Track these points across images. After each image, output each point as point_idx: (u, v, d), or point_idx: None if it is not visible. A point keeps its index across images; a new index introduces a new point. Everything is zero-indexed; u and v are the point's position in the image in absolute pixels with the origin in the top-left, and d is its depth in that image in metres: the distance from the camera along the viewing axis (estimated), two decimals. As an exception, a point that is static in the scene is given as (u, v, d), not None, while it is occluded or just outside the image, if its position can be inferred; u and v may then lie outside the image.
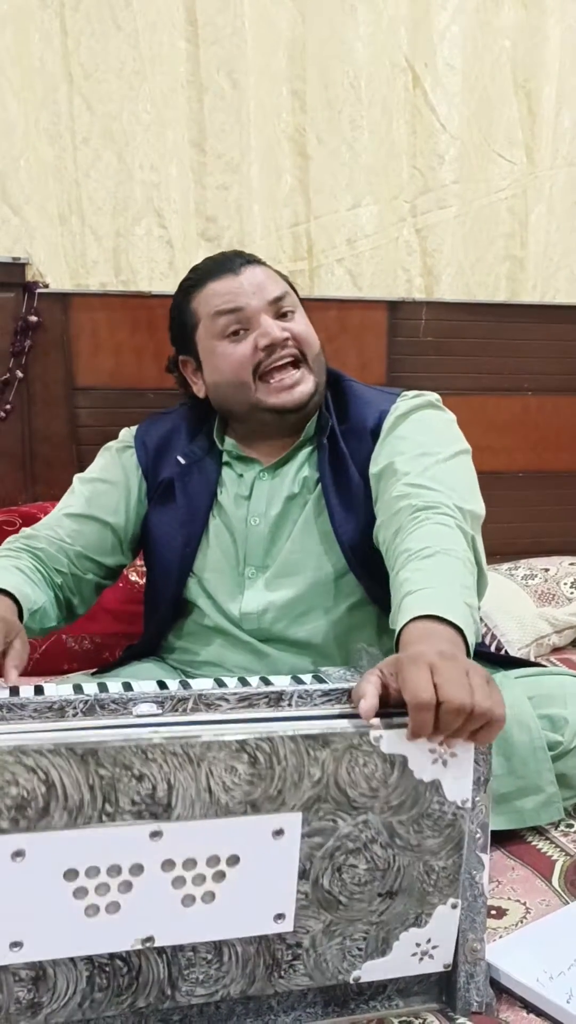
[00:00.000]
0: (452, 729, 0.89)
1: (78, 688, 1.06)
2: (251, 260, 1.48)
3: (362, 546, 1.38)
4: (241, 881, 0.89)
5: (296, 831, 0.89)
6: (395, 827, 0.93)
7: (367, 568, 1.39)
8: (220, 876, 0.88)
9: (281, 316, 1.44)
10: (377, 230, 2.28)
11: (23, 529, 1.51)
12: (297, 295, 1.51)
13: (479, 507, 1.31)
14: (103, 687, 1.07)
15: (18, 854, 0.82)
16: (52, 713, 0.98)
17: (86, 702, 0.99)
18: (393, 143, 2.28)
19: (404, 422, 1.41)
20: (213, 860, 0.88)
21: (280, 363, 1.42)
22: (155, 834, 0.86)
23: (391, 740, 0.91)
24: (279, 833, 0.89)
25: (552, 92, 2.34)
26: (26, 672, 1.92)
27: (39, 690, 1.08)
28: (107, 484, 1.52)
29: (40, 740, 0.82)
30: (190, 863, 0.87)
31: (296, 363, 1.43)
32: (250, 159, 2.15)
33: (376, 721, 0.91)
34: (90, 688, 1.05)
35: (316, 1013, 0.96)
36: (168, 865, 0.87)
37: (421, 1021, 0.97)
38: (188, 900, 0.88)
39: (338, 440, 1.44)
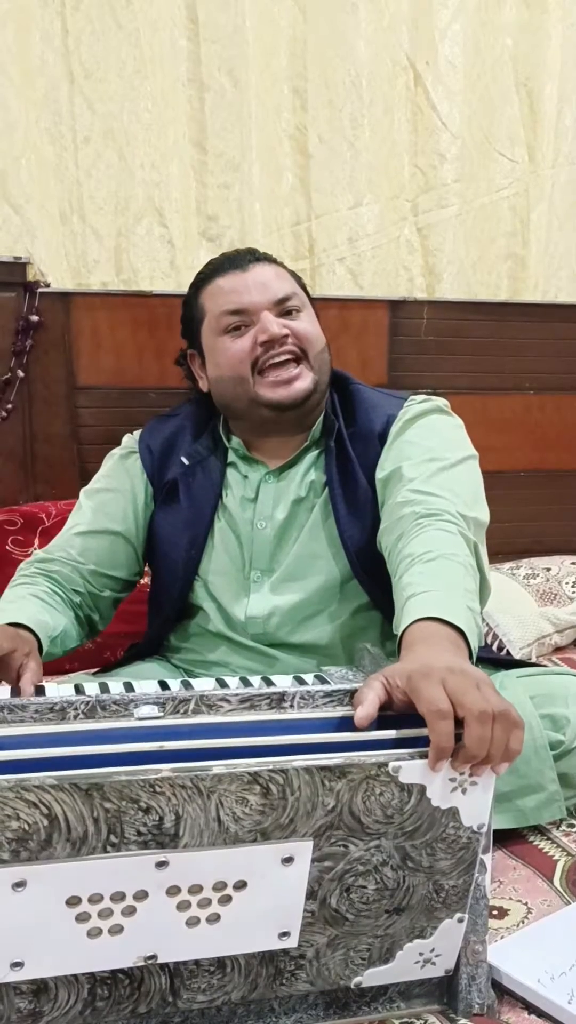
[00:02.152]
0: (484, 740, 0.86)
1: (79, 688, 1.06)
2: (261, 258, 1.47)
3: (368, 551, 1.38)
4: (247, 904, 0.86)
5: (306, 858, 0.87)
6: (408, 851, 0.90)
7: (372, 574, 1.38)
8: (226, 900, 0.86)
9: (286, 314, 1.43)
10: (378, 229, 2.28)
11: (36, 552, 1.51)
12: (308, 294, 1.51)
13: (483, 514, 1.31)
14: (104, 687, 1.07)
15: (19, 884, 0.80)
16: (53, 715, 0.97)
17: (87, 703, 0.98)
18: (394, 142, 2.27)
19: (412, 427, 1.41)
20: (220, 885, 0.86)
21: (279, 359, 1.41)
22: (161, 864, 0.83)
23: (410, 770, 0.87)
24: (289, 860, 0.87)
25: (554, 90, 2.34)
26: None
27: (40, 690, 1.08)
28: (112, 493, 1.51)
29: (42, 775, 0.79)
30: (196, 888, 0.85)
31: (296, 360, 1.43)
32: (251, 158, 2.15)
33: (395, 751, 0.88)
34: (91, 689, 1.05)
35: (317, 1015, 0.95)
36: (173, 890, 0.84)
37: (422, 1023, 0.97)
38: (192, 921, 0.86)
39: (345, 444, 1.43)
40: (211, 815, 0.83)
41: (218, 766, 0.82)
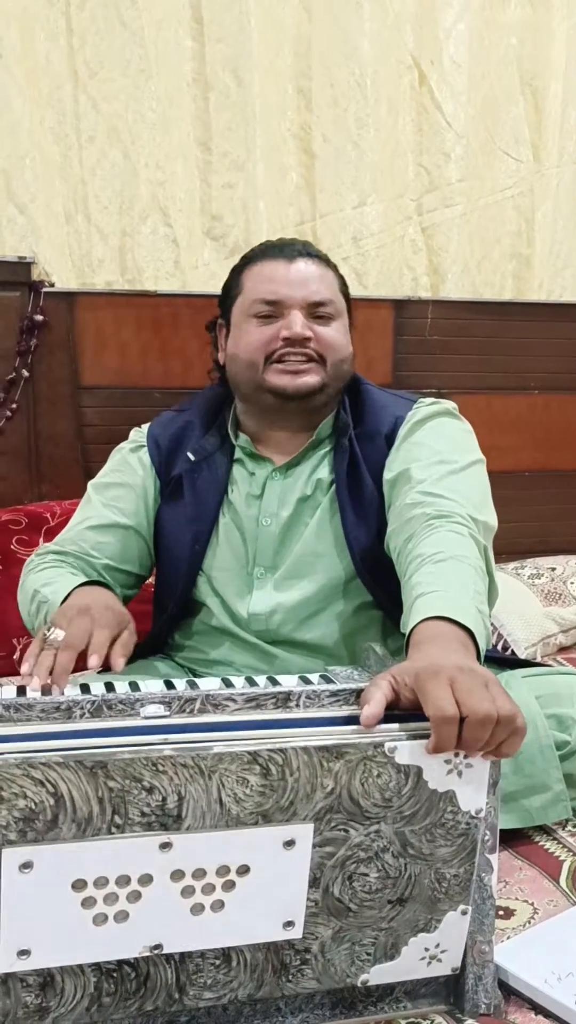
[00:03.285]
0: (480, 741, 0.88)
1: (85, 688, 1.06)
2: (312, 255, 1.46)
3: (371, 552, 1.38)
4: (251, 890, 0.88)
5: (307, 841, 0.88)
6: (407, 836, 0.91)
7: (375, 574, 1.39)
8: (230, 885, 0.87)
9: (316, 318, 1.42)
10: (383, 228, 2.28)
11: (46, 545, 1.50)
12: (348, 302, 1.50)
13: (492, 518, 1.31)
14: (110, 687, 1.06)
15: (26, 865, 0.81)
16: (59, 714, 0.97)
17: (93, 703, 0.98)
18: (399, 141, 2.27)
19: (420, 429, 1.41)
20: (223, 870, 0.87)
21: (293, 358, 1.41)
22: (165, 845, 0.84)
23: (406, 751, 0.89)
24: (290, 844, 0.88)
25: (559, 90, 2.34)
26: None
27: (46, 690, 1.08)
28: (123, 487, 1.51)
29: (48, 753, 0.81)
30: (200, 873, 0.86)
31: (311, 360, 1.42)
32: (256, 157, 2.15)
33: (390, 727, 0.90)
34: (97, 688, 1.05)
35: (324, 1015, 0.95)
36: (177, 875, 0.86)
37: (429, 1023, 0.97)
38: (197, 909, 0.87)
39: (353, 443, 1.43)
40: (213, 796, 0.84)
41: (218, 745, 0.84)
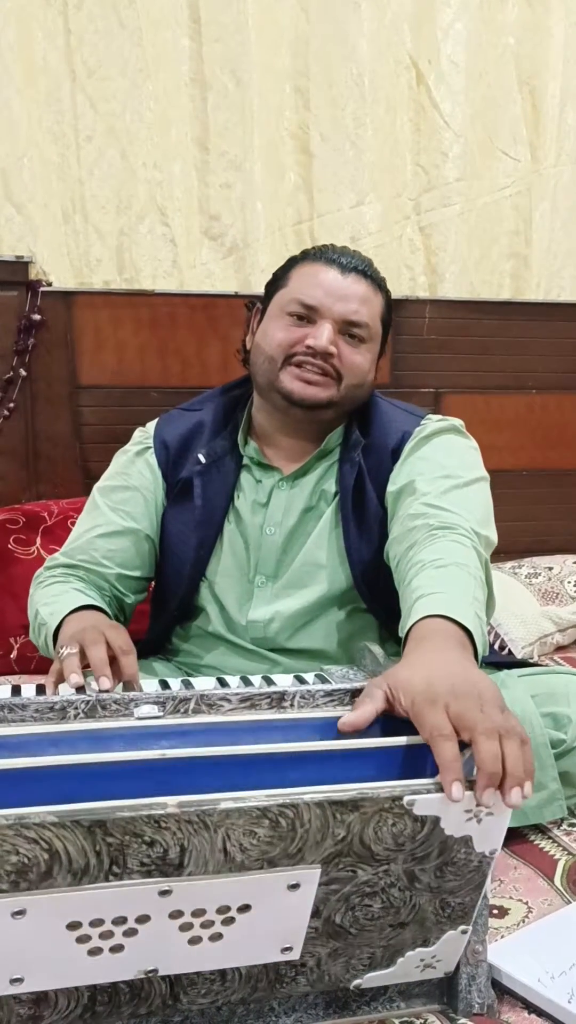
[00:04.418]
0: (495, 754, 0.84)
1: (80, 687, 1.06)
2: (368, 275, 1.42)
3: (371, 564, 1.38)
4: (251, 925, 0.85)
5: (313, 884, 0.85)
6: (416, 874, 0.88)
7: (373, 587, 1.39)
8: (229, 921, 0.84)
9: (348, 336, 1.40)
10: (381, 228, 2.28)
11: (56, 557, 1.47)
12: (386, 332, 1.48)
13: (493, 535, 1.31)
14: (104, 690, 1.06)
15: (19, 913, 0.77)
16: (53, 714, 0.98)
17: (87, 702, 0.99)
18: (397, 140, 2.27)
19: (427, 444, 1.41)
20: (224, 909, 0.83)
21: (310, 367, 1.39)
22: (164, 892, 0.80)
23: (426, 803, 0.84)
24: (295, 887, 0.84)
25: (556, 89, 2.33)
26: (28, 670, 1.93)
27: (40, 690, 1.08)
28: (129, 491, 1.48)
29: (42, 813, 0.76)
30: (199, 912, 0.83)
31: (327, 375, 1.40)
32: (253, 157, 2.15)
33: (410, 782, 0.85)
34: (92, 687, 1.05)
35: (317, 1015, 0.95)
36: (176, 914, 0.82)
37: (422, 1023, 0.97)
38: (195, 941, 0.84)
39: (359, 456, 1.42)
40: (217, 847, 0.80)
41: (226, 800, 0.79)
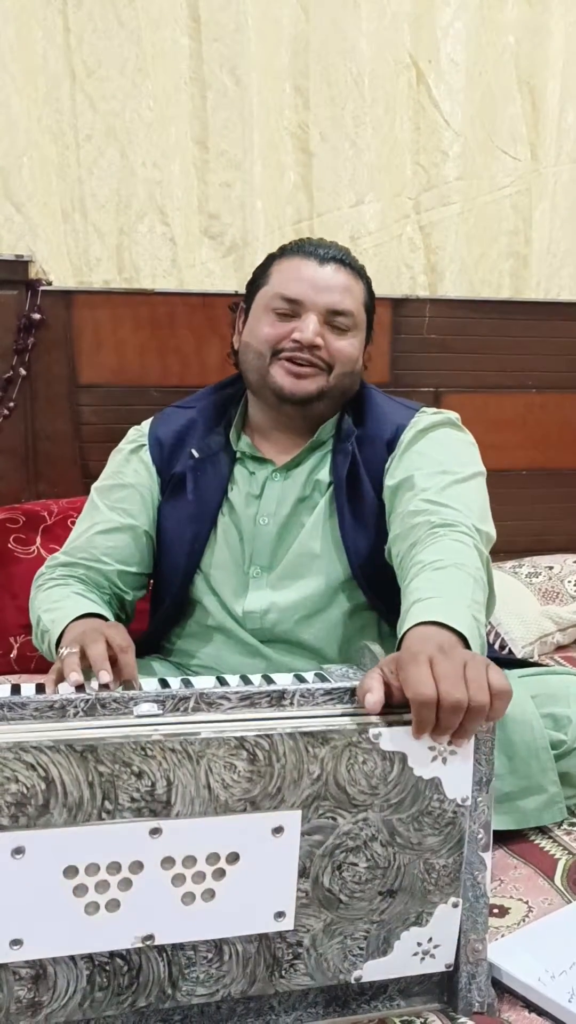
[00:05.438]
0: (450, 729, 0.89)
1: (80, 686, 1.06)
2: (345, 262, 1.44)
3: (368, 555, 1.39)
4: (241, 879, 0.89)
5: (296, 829, 0.90)
6: (395, 825, 0.93)
7: (370, 577, 1.39)
8: (220, 874, 0.89)
9: (333, 327, 1.41)
10: (380, 227, 2.28)
11: (56, 556, 1.48)
12: (371, 319, 1.49)
13: (492, 530, 1.31)
14: (104, 685, 1.06)
15: (18, 851, 0.83)
16: (53, 712, 0.97)
17: (87, 701, 0.98)
18: (396, 140, 2.27)
19: (423, 438, 1.41)
20: (213, 858, 0.88)
21: (300, 361, 1.40)
22: (155, 831, 0.86)
23: (390, 737, 0.91)
24: (279, 831, 0.89)
25: (556, 88, 2.33)
26: (28, 669, 1.93)
27: (40, 688, 1.08)
28: (126, 488, 1.50)
29: (39, 737, 0.83)
30: (190, 860, 0.88)
31: (316, 366, 1.41)
32: (253, 156, 2.15)
33: (375, 718, 0.91)
34: (91, 686, 1.05)
35: (317, 1013, 0.96)
36: (168, 863, 0.87)
37: (423, 1021, 0.97)
38: (188, 898, 0.88)
39: (354, 447, 1.43)
40: (201, 782, 0.86)
41: (206, 730, 0.87)
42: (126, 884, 0.86)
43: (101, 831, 0.85)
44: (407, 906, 0.95)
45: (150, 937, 0.88)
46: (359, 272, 1.47)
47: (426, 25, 2.23)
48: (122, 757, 0.84)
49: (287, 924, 0.92)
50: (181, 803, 0.86)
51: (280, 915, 0.91)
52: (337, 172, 2.22)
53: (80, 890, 0.85)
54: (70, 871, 0.85)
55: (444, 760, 0.93)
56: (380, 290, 2.26)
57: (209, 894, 0.89)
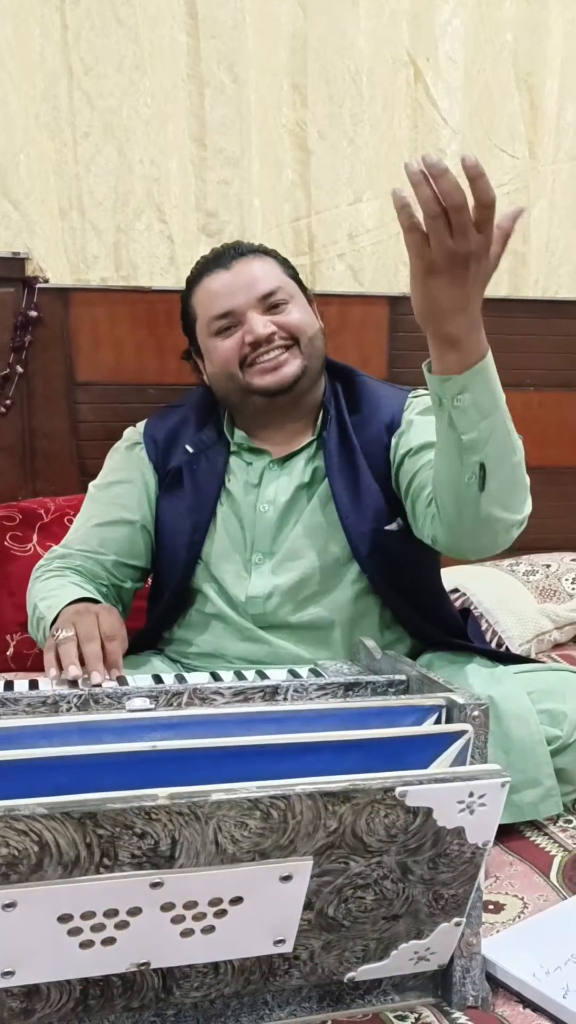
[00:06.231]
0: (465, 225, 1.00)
1: (72, 682, 1.06)
2: (246, 252, 1.48)
3: (368, 535, 1.41)
4: (243, 917, 0.84)
5: (305, 875, 0.84)
6: (409, 865, 0.88)
7: (372, 557, 1.41)
8: (222, 914, 0.84)
9: (272, 308, 1.45)
10: (378, 225, 2.28)
11: (53, 549, 1.51)
12: (299, 280, 1.52)
13: None
14: (97, 685, 1.06)
15: (10, 905, 0.77)
16: (46, 707, 0.98)
17: (80, 696, 0.98)
18: (394, 137, 2.27)
19: (429, 414, 1.43)
20: (216, 901, 0.83)
21: (267, 356, 1.43)
22: (156, 884, 0.80)
23: (418, 795, 0.84)
24: (287, 878, 0.84)
25: (554, 86, 2.33)
26: (25, 667, 1.93)
27: (33, 685, 1.08)
28: (124, 484, 1.52)
29: (32, 804, 0.75)
30: (191, 904, 0.82)
31: (286, 348, 1.44)
32: (251, 154, 2.15)
33: (401, 773, 0.85)
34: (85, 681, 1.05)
35: (311, 1008, 0.95)
36: (168, 906, 0.82)
37: (417, 1016, 0.97)
38: (187, 933, 0.83)
39: (348, 431, 1.46)
40: (208, 839, 0.79)
41: (217, 792, 0.79)
42: (123, 925, 0.81)
43: (99, 885, 0.78)
44: (409, 926, 0.92)
45: (145, 964, 0.84)
46: (261, 251, 1.50)
47: (424, 23, 2.23)
48: (123, 821, 0.77)
49: (286, 948, 0.88)
50: (185, 857, 0.79)
51: (280, 942, 0.87)
52: (335, 170, 2.22)
53: (75, 932, 0.80)
54: (65, 917, 0.79)
55: (471, 811, 0.86)
56: (378, 288, 2.29)
57: (209, 929, 0.83)
